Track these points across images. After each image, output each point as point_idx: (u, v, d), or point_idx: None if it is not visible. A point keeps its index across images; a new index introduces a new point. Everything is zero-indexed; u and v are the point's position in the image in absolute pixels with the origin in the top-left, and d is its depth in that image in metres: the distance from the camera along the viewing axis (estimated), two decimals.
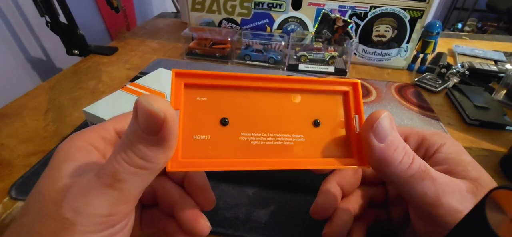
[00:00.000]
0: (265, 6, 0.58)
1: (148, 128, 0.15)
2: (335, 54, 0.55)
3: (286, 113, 0.18)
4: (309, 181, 0.27)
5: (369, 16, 0.55)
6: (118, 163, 0.15)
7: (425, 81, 0.51)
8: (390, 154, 0.17)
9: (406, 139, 0.21)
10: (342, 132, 0.19)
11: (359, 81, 0.19)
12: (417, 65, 0.58)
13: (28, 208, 0.15)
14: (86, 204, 0.14)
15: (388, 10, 0.53)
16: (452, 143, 0.20)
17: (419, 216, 0.19)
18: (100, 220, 0.15)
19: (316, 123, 0.19)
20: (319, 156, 0.18)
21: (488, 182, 0.18)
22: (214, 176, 0.29)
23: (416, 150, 0.21)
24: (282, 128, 0.18)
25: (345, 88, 0.19)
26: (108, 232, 0.15)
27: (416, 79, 0.52)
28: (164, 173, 0.20)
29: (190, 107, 0.17)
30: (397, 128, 0.19)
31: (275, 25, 0.60)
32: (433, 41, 0.54)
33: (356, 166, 0.18)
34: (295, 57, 0.57)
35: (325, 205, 0.22)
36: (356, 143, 0.18)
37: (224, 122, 0.17)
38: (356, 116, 0.19)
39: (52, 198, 0.15)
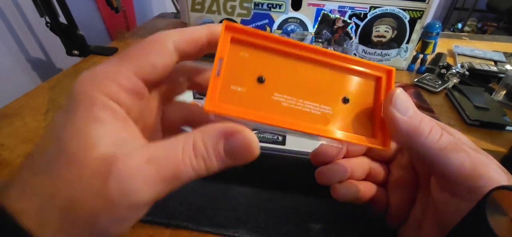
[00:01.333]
0: (265, 7, 0.58)
1: (236, 158, 0.16)
2: None
3: (319, 85, 0.19)
4: (310, 182, 0.27)
5: (368, 17, 0.55)
6: (185, 166, 0.15)
7: (425, 82, 0.51)
8: (417, 125, 0.17)
9: None
10: (369, 113, 0.20)
11: (394, 68, 0.19)
12: (417, 65, 0.58)
13: (55, 162, 0.14)
14: (137, 191, 0.14)
15: (388, 11, 0.53)
16: (461, 135, 0.20)
17: (452, 192, 0.18)
18: (140, 207, 0.15)
19: (345, 100, 0.19)
20: (343, 130, 0.19)
21: (498, 166, 0.18)
22: (215, 177, 0.29)
23: None
24: (312, 97, 0.19)
25: (379, 74, 0.20)
26: (137, 216, 0.15)
27: (416, 80, 0.52)
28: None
29: (232, 60, 0.18)
30: None
31: (275, 26, 0.60)
32: (433, 41, 0.54)
33: (378, 146, 0.19)
34: None
35: (327, 150, 0.23)
36: (379, 125, 0.19)
37: (260, 80, 0.18)
38: None
39: (92, 168, 0.13)
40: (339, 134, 0.18)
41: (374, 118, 0.19)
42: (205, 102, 0.16)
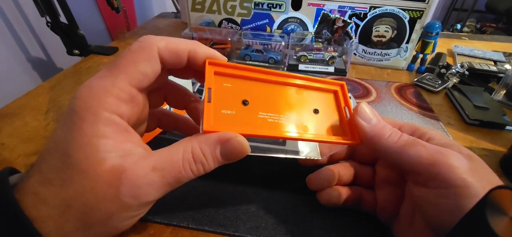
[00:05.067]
0: (265, 6, 0.58)
1: (231, 159, 0.18)
2: (335, 54, 0.55)
3: (294, 102, 0.23)
4: None
5: (368, 17, 0.55)
6: (186, 172, 0.17)
7: (425, 81, 0.51)
8: (379, 130, 0.20)
9: (400, 129, 0.23)
10: (336, 118, 0.24)
11: (344, 82, 0.25)
12: (416, 65, 0.58)
13: (66, 177, 0.15)
14: (146, 195, 0.17)
15: (388, 11, 0.53)
16: (442, 134, 0.22)
17: (417, 183, 0.19)
18: (149, 204, 0.18)
19: (316, 111, 0.23)
20: (319, 133, 0.22)
21: (480, 159, 0.19)
22: (215, 176, 0.29)
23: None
24: (290, 112, 0.22)
25: (335, 88, 0.25)
26: (144, 211, 0.18)
27: (415, 79, 0.52)
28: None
29: (218, 89, 0.20)
30: (391, 120, 0.23)
31: (275, 25, 0.60)
32: (433, 41, 0.54)
33: (349, 142, 0.22)
34: (295, 57, 0.57)
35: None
36: (348, 126, 0.23)
37: (245, 103, 0.21)
38: (346, 107, 0.24)
39: (104, 179, 0.16)
40: (317, 137, 0.22)
41: (342, 122, 0.24)
42: (203, 124, 0.18)
